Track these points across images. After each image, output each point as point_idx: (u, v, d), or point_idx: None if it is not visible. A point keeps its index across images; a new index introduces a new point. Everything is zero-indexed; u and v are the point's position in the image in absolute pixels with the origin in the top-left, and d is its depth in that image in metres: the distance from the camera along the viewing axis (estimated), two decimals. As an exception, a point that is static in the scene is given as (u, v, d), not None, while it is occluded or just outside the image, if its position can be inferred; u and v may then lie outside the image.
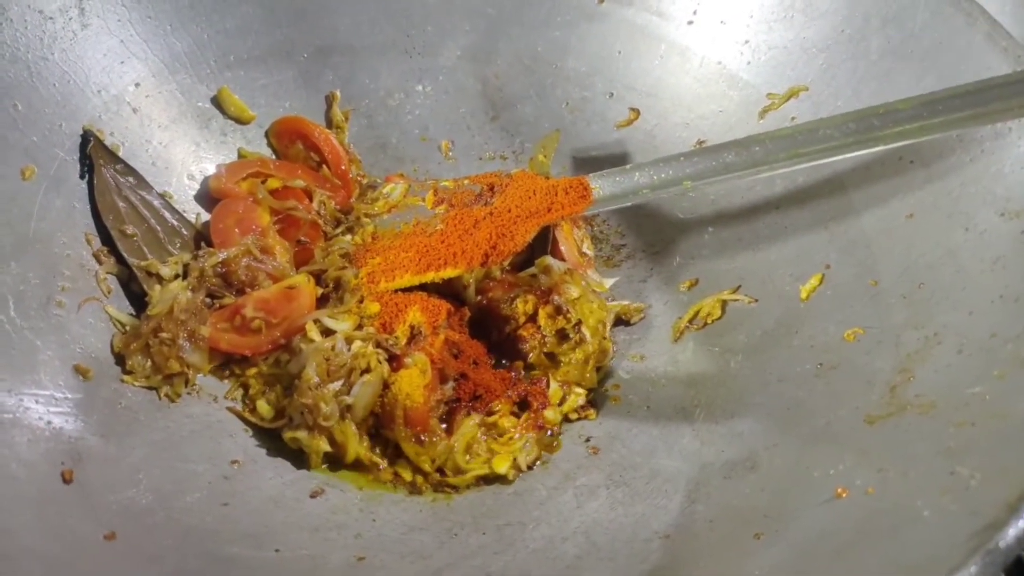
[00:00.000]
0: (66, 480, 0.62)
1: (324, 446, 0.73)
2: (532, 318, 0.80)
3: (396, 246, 0.83)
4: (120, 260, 0.78)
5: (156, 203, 0.82)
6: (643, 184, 0.82)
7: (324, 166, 0.91)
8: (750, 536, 0.62)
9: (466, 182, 0.88)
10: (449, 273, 0.82)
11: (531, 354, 0.79)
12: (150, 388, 0.74)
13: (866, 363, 0.71)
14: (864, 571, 0.54)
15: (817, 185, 0.83)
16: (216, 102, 0.89)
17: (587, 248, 0.89)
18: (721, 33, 0.90)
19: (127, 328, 0.75)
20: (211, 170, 0.87)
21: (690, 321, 0.84)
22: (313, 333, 0.76)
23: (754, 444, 0.71)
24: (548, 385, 0.79)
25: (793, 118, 0.86)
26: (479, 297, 0.82)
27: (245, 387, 0.78)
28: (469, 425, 0.75)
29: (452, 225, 0.84)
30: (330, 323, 0.77)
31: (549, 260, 0.82)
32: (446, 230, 0.83)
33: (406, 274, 0.81)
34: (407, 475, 0.74)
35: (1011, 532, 0.51)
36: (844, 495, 0.61)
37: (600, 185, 0.83)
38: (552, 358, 0.80)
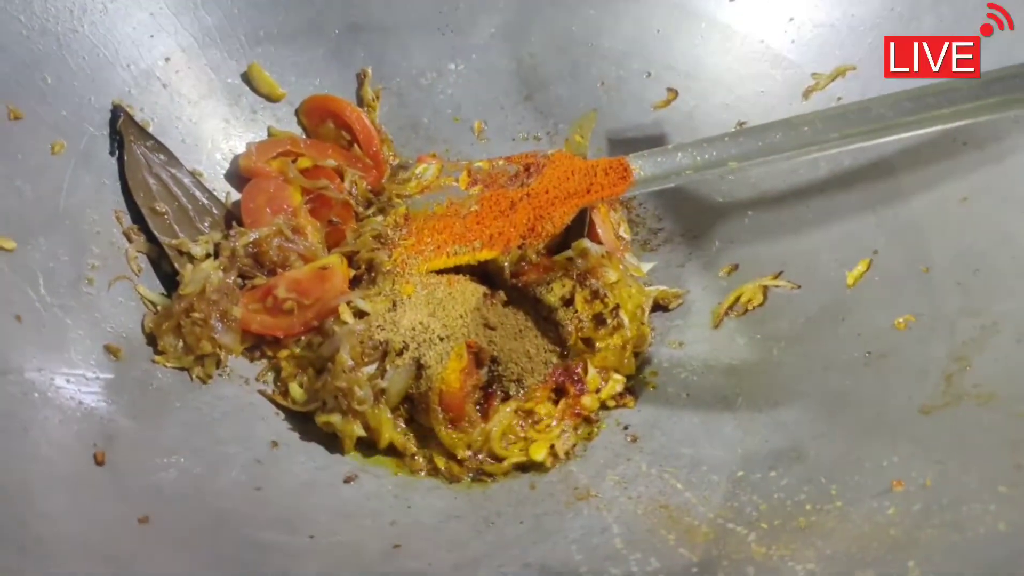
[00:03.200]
0: (98, 462, 0.61)
1: (358, 431, 0.72)
2: (569, 302, 0.78)
3: (429, 227, 0.81)
4: (150, 238, 0.77)
5: (187, 181, 0.80)
6: (685, 165, 0.80)
7: (355, 145, 0.89)
8: (800, 527, 0.60)
9: (501, 162, 0.86)
10: (485, 255, 0.80)
11: (568, 339, 0.77)
12: (181, 369, 0.72)
13: (919, 352, 0.68)
14: (926, 565, 0.52)
15: (864, 168, 0.80)
16: (246, 78, 0.87)
17: (624, 231, 0.87)
18: (764, 10, 0.88)
19: (158, 308, 0.74)
20: (241, 148, 0.86)
21: (730, 307, 0.81)
22: (346, 315, 0.74)
23: (800, 434, 0.69)
24: (586, 371, 0.77)
25: (839, 98, 0.83)
26: (514, 280, 0.80)
27: (276, 369, 0.76)
28: (505, 411, 0.73)
29: (488, 206, 0.81)
30: (363, 305, 0.75)
31: (587, 243, 0.80)
32: (481, 211, 0.81)
33: (440, 256, 0.79)
34: (441, 463, 0.72)
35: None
36: (899, 487, 0.59)
37: (640, 166, 0.81)
38: (589, 343, 0.78)
